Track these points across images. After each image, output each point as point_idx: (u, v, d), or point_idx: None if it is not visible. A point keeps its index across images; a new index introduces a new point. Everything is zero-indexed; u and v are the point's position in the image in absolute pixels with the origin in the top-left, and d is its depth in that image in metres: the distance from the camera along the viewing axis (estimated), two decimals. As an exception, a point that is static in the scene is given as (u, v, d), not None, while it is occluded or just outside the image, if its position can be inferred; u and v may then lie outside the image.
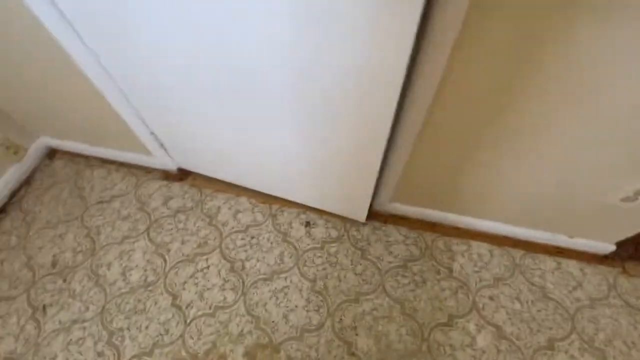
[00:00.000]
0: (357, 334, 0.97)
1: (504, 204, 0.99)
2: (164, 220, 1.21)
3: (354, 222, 1.18)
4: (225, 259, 1.11)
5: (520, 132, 0.74)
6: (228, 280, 1.07)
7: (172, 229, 1.19)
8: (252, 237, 1.15)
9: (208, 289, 1.06)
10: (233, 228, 1.17)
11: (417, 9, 0.51)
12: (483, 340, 0.96)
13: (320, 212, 1.20)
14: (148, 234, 1.18)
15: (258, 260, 1.10)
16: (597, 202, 0.87)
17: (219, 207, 1.22)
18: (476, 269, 1.07)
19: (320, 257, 1.11)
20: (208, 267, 1.10)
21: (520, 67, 0.61)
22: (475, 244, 1.12)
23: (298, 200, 1.20)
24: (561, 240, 1.06)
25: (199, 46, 0.71)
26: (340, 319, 1.00)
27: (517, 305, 1.01)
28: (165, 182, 1.31)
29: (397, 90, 0.65)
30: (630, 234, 0.98)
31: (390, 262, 1.09)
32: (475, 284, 1.05)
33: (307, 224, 1.18)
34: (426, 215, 1.15)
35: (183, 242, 1.15)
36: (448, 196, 1.04)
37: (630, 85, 0.59)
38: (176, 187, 1.29)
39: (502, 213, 1.04)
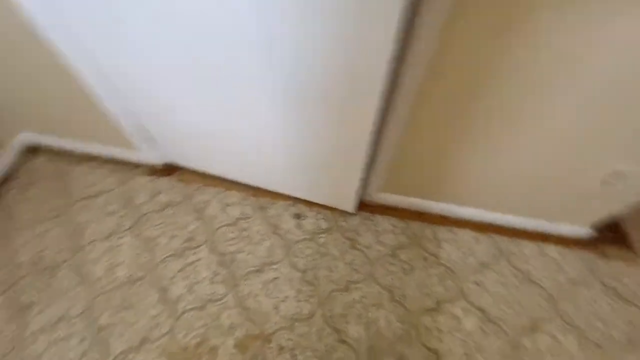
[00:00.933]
0: (347, 322, 0.99)
1: (487, 190, 1.02)
2: (151, 215, 1.20)
3: (343, 213, 1.19)
4: (214, 252, 1.11)
5: (499, 119, 0.76)
6: (218, 274, 1.07)
7: (160, 224, 1.17)
8: (242, 230, 1.15)
9: (197, 282, 1.05)
10: (222, 221, 1.17)
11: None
12: (470, 323, 0.98)
13: (309, 204, 1.20)
14: (135, 230, 1.16)
15: (248, 253, 1.10)
16: (577, 186, 0.90)
17: (207, 201, 1.22)
18: (462, 255, 1.10)
19: (310, 248, 1.11)
20: (198, 260, 1.09)
21: (496, 59, 0.63)
22: (460, 231, 1.15)
23: (287, 193, 1.21)
24: (543, 225, 1.10)
25: (183, 37, 0.71)
26: (331, 308, 1.01)
27: (502, 289, 1.04)
28: (151, 178, 1.29)
29: (381, 78, 0.66)
30: (608, 218, 1.02)
31: (379, 251, 1.11)
32: (462, 270, 1.07)
33: (297, 215, 1.18)
34: (414, 204, 1.17)
35: (171, 237, 1.14)
36: (434, 185, 1.06)
37: (607, 70, 0.62)
38: (163, 181, 1.28)
39: (486, 200, 1.07)
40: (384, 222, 1.17)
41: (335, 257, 1.10)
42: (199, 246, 1.12)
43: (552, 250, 1.11)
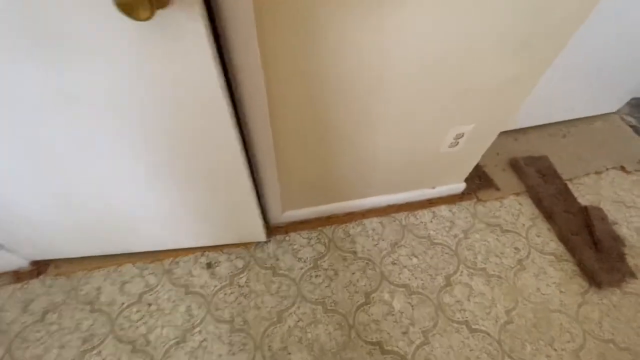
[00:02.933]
0: (289, 353, 0.95)
1: (373, 178, 1.11)
2: (28, 330, 0.97)
3: (257, 245, 1.16)
4: (122, 342, 0.95)
5: (348, 116, 0.84)
6: (133, 365, 0.92)
7: (42, 337, 0.96)
8: (149, 305, 1.02)
9: (110, 385, 0.89)
10: (123, 304, 1.02)
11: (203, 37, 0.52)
12: (398, 302, 1.05)
13: (219, 247, 1.14)
14: (10, 356, 0.93)
15: (163, 327, 0.98)
16: (435, 153, 1.05)
17: (99, 288, 1.05)
18: (374, 242, 1.17)
19: (232, 293, 1.05)
20: (104, 359, 0.93)
21: (320, 51, 0.69)
22: (367, 221, 1.22)
23: (191, 245, 1.12)
24: (428, 193, 1.25)
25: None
26: (269, 346, 0.96)
27: (415, 260, 1.14)
28: (18, 285, 1.05)
29: (225, 113, 0.66)
30: (468, 170, 1.21)
31: (301, 268, 1.11)
32: (378, 256, 1.14)
33: (209, 265, 1.10)
34: (320, 212, 1.20)
35: (61, 347, 0.94)
36: (329, 188, 1.11)
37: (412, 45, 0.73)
38: (35, 284, 1.05)
39: (377, 187, 1.17)
40: (299, 238, 1.18)
41: (261, 292, 1.05)
42: (101, 342, 0.95)
43: (442, 210, 1.27)
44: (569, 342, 1.01)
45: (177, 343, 0.95)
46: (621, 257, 1.19)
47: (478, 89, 0.83)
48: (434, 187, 1.24)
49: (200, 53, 0.54)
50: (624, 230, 1.26)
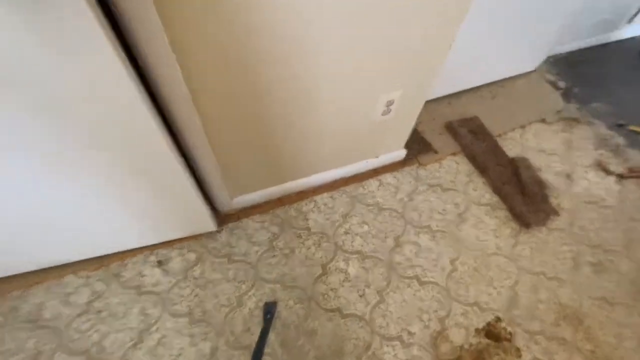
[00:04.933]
0: (252, 334, 0.97)
1: (318, 154, 1.13)
2: (-38, 363, 0.89)
3: (209, 235, 1.14)
4: (73, 354, 0.91)
5: (272, 88, 0.84)
6: (88, 374, 0.89)
7: (-20, 366, 0.89)
8: (99, 312, 0.97)
9: (65, 400, 0.85)
10: (70, 316, 0.96)
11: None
12: (353, 268, 1.10)
13: (169, 244, 1.10)
14: (-55, 394, 0.85)
15: (117, 331, 0.95)
16: (371, 122, 1.09)
17: (40, 304, 0.98)
18: (327, 216, 1.21)
19: (187, 287, 1.03)
20: (54, 376, 0.88)
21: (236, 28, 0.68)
22: (318, 197, 1.25)
23: (137, 245, 1.08)
24: (372, 163, 1.30)
25: None
26: (232, 331, 0.97)
27: (366, 227, 1.19)
28: (-56, 317, 0.95)
29: (137, 100, 0.63)
30: (406, 137, 1.27)
31: (257, 252, 1.12)
32: (331, 229, 1.18)
33: (159, 263, 1.07)
34: (271, 194, 1.21)
35: (4, 371, 0.88)
36: (274, 169, 1.12)
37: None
38: (-36, 313, 0.96)
39: (323, 162, 1.19)
40: (252, 223, 1.18)
41: (217, 281, 1.05)
42: (50, 358, 0.90)
43: (387, 178, 1.33)
44: (506, 279, 1.13)
45: (134, 345, 0.93)
46: (545, 199, 1.33)
47: (399, 51, 0.87)
48: (377, 156, 1.29)
49: (86, 26, 0.50)
50: (546, 176, 1.40)
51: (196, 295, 1.02)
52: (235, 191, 1.13)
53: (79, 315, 0.96)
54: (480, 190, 1.34)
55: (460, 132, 1.47)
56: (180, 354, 0.92)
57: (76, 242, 0.98)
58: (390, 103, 1.02)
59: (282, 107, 0.88)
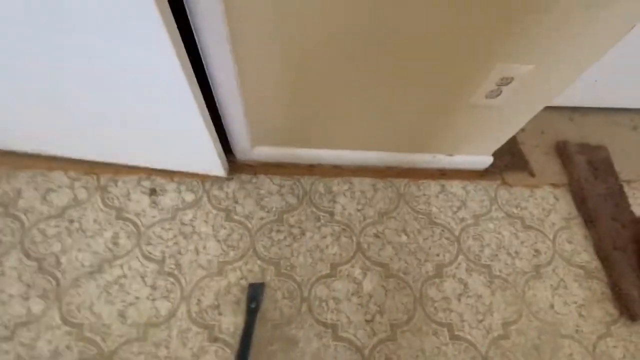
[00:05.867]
0: (220, 314, 0.77)
1: (374, 126, 0.85)
2: None
3: (216, 180, 0.94)
4: (29, 257, 0.79)
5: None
6: (33, 286, 0.76)
7: (-57, 232, 0.81)
8: (72, 222, 0.84)
9: (2, 303, 0.74)
10: (42, 214, 0.84)
11: None
12: (370, 283, 0.84)
13: (169, 174, 0.93)
14: None
15: (80, 250, 0.81)
16: (465, 104, 0.76)
17: (19, 190, 0.87)
18: (359, 207, 0.94)
19: (170, 229, 0.86)
20: (1, 273, 0.77)
21: None
22: (357, 180, 0.98)
23: (137, 164, 0.92)
24: (442, 161, 0.98)
25: None
26: (199, 300, 0.78)
27: (404, 238, 0.90)
28: None
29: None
30: (502, 140, 0.92)
31: (262, 219, 0.90)
32: (359, 224, 0.91)
33: (152, 191, 0.91)
34: (300, 156, 0.96)
35: (-41, 247, 0.80)
36: (313, 128, 0.86)
37: None
38: (-48, 173, 0.89)
39: (377, 139, 0.90)
40: (269, 183, 0.96)
41: (205, 235, 0.86)
42: (6, 253, 0.80)
43: (453, 186, 1.00)
44: (574, 377, 0.79)
45: (91, 273, 0.79)
46: (672, 289, 0.92)
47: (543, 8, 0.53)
48: (451, 155, 0.97)
49: None
50: (683, 258, 0.97)
51: (176, 243, 0.84)
52: (259, 140, 0.90)
53: (50, 217, 0.84)
54: (576, 245, 0.96)
55: (575, 159, 1.07)
56: (132, 304, 0.76)
57: (74, 137, 0.84)
58: (505, 81, 0.68)
59: (343, 54, 0.61)
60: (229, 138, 0.89)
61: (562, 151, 1.10)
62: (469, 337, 0.80)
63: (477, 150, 0.96)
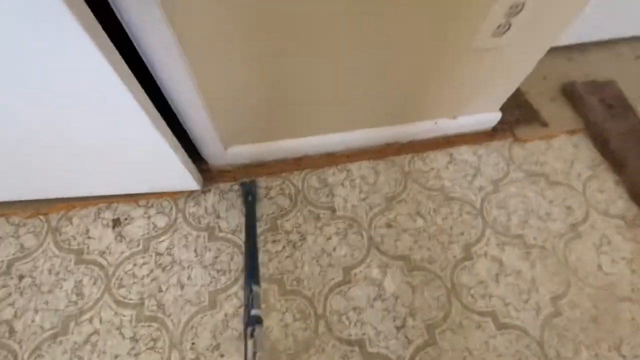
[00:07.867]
0: (222, 355, 0.63)
1: (363, 97, 0.71)
2: None
3: (191, 195, 0.80)
4: (-27, 332, 0.64)
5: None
6: (-17, 367, 0.61)
7: None
8: (21, 277, 0.69)
9: (-55, 397, 0.59)
10: (-17, 275, 0.69)
11: None
12: (392, 282, 0.71)
13: (133, 198, 0.78)
14: None
15: (36, 311, 0.66)
16: (466, 48, 0.63)
17: (-50, 251, 0.71)
18: (362, 196, 0.81)
19: (144, 264, 0.71)
20: (-61, 359, 0.62)
21: None
22: (354, 166, 0.85)
23: (92, 193, 0.76)
24: (445, 126, 0.85)
25: None
26: (193, 344, 0.64)
27: (420, 222, 0.78)
28: None
29: None
30: (510, 89, 0.80)
31: (253, 231, 0.76)
32: (366, 215, 0.78)
33: (116, 222, 0.76)
34: (284, 149, 0.82)
35: None
36: (297, 114, 0.72)
37: None
38: None
39: (368, 113, 0.77)
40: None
41: (189, 263, 0.71)
42: (-55, 332, 0.64)
43: (463, 153, 0.88)
44: (643, 343, 0.68)
45: (54, 336, 0.63)
46: None
47: None
48: (455, 117, 0.84)
49: None
50: None
51: (154, 279, 0.69)
52: (232, 139, 0.76)
53: (-7, 277, 0.69)
54: (610, 193, 0.85)
55: (587, 100, 0.96)
56: (113, 364, 0.62)
57: (11, 177, 0.69)
58: (515, 10, 0.55)
59: (322, 21, 0.47)
60: (195, 143, 0.74)
61: (570, 94, 0.99)
62: (517, 322, 0.68)
63: (483, 107, 0.84)
